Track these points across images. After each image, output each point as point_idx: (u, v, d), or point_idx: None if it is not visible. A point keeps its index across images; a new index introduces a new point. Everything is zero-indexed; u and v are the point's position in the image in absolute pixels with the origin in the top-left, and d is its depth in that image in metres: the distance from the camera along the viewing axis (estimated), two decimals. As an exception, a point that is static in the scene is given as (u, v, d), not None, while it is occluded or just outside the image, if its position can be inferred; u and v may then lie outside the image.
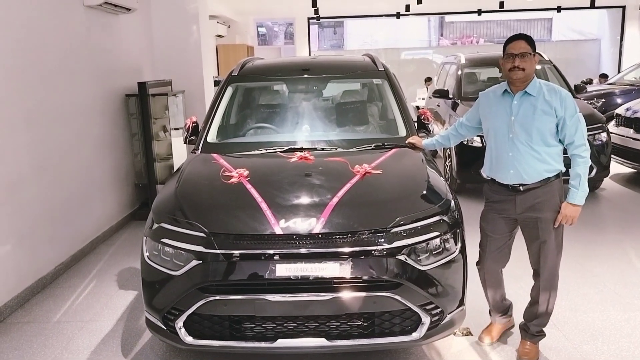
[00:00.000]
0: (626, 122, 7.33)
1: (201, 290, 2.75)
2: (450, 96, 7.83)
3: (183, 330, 2.83)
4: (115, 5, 5.81)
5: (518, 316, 3.39)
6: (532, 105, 2.96)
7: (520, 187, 3.01)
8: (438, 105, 8.42)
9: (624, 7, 16.40)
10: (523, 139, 2.97)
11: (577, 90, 7.59)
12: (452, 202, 3.10)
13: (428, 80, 12.72)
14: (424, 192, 3.15)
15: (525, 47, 2.93)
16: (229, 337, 2.83)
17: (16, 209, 4.16)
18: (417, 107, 11.08)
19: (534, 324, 3.16)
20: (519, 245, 3.24)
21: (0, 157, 3.99)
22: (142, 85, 6.19)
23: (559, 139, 2.97)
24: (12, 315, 3.98)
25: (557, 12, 16.31)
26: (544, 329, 3.19)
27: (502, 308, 3.39)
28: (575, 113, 2.92)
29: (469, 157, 6.52)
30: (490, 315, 3.44)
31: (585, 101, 8.44)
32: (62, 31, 4.99)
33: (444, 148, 7.23)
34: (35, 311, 4.05)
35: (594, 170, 6.44)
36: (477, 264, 3.32)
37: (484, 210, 3.25)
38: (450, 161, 7.12)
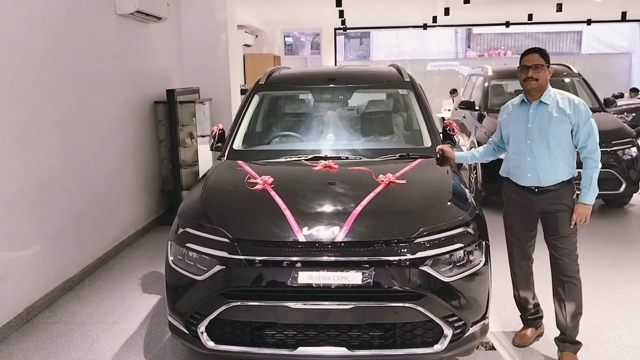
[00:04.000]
0: (657, 137, 7.17)
1: (224, 296, 2.78)
2: (477, 108, 7.78)
3: (205, 335, 2.85)
4: (147, 14, 5.94)
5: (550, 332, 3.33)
6: (547, 113, 3.15)
7: (536, 189, 3.18)
8: (464, 117, 8.36)
9: (656, 21, 16.11)
10: (540, 145, 3.15)
11: (606, 104, 7.46)
12: (477, 213, 3.07)
13: (454, 92, 12.67)
14: (449, 203, 3.13)
15: (538, 60, 3.14)
16: (250, 343, 2.85)
17: (46, 212, 4.26)
18: (443, 119, 11.02)
19: (569, 331, 3.20)
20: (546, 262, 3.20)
21: (32, 159, 4.10)
22: (170, 93, 6.30)
23: (574, 145, 3.15)
24: (38, 315, 4.07)
25: (587, 24, 16.09)
26: (577, 339, 3.22)
27: (533, 308, 3.48)
28: (588, 119, 3.10)
29: (495, 169, 6.43)
30: (522, 320, 3.53)
31: (616, 115, 8.28)
32: (94, 38, 5.12)
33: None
34: (60, 312, 4.13)
35: (623, 186, 6.31)
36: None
37: (505, 209, 3.42)
38: (476, 173, 7.06)
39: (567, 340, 3.19)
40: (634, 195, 6.81)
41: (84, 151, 4.87)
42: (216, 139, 4.25)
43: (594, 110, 6.55)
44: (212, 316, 2.80)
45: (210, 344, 2.85)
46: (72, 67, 4.69)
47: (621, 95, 12.87)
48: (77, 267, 4.71)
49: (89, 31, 5.03)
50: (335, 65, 16.04)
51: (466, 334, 2.81)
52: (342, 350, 2.76)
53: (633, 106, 10.45)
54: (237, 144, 4.16)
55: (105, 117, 5.30)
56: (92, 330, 3.82)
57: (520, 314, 3.54)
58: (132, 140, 5.94)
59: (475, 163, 6.97)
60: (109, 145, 5.37)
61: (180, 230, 3.05)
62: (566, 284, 3.15)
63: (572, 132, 3.12)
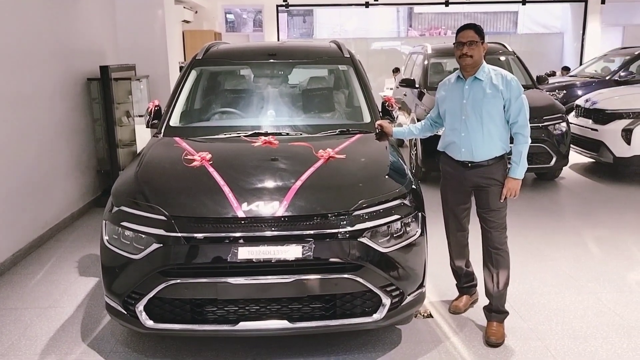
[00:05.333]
0: (585, 113, 7.53)
1: (162, 274, 2.74)
2: (417, 85, 7.90)
3: (144, 314, 2.81)
4: (76, -14, 5.65)
5: (483, 299, 3.47)
6: (481, 89, 3.19)
7: (469, 164, 3.25)
8: (405, 95, 8.48)
9: (586, 2, 16.77)
10: (474, 120, 3.20)
11: (539, 82, 7.75)
12: (414, 186, 3.14)
13: (396, 70, 12.79)
14: (386, 176, 3.19)
15: (473, 36, 3.17)
16: (191, 321, 2.83)
17: (-29, 194, 4.03)
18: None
19: (495, 301, 3.29)
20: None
21: (-47, 139, 3.86)
22: (104, 69, 6.06)
23: (506, 120, 3.21)
24: (-34, 302, 3.87)
25: (522, 4, 16.60)
26: (504, 308, 3.31)
27: (467, 277, 3.60)
28: (519, 95, 3.17)
29: (434, 146, 6.58)
30: (457, 288, 3.65)
31: (548, 92, 8.62)
32: (20, 12, 4.83)
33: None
34: (-9, 298, 3.95)
35: (554, 159, 6.62)
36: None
37: (441, 182, 3.49)
38: (416, 150, 7.21)
39: (494, 310, 3.29)
40: (563, 168, 7.16)
41: (12, 131, 4.63)
42: (152, 116, 4.12)
43: (527, 88, 6.83)
44: (151, 295, 2.76)
45: (150, 323, 2.81)
46: (-5, 40, 4.42)
47: (553, 74, 13.38)
48: (8, 252, 4.50)
49: (14, 4, 4.74)
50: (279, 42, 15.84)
51: (404, 303, 2.90)
52: (283, 324, 2.79)
53: (564, 84, 10.89)
54: (174, 121, 4.06)
55: (34, 95, 5.04)
56: (26, 315, 3.67)
57: (455, 282, 3.66)
58: (64, 119, 5.68)
59: (416, 140, 7.12)
60: (39, 125, 5.11)
61: (115, 208, 2.97)
62: (494, 255, 3.25)
63: (504, 107, 3.18)
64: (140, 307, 2.79)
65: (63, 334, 3.41)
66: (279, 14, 17.21)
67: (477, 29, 3.20)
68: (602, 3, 16.08)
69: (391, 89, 12.56)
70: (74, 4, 5.94)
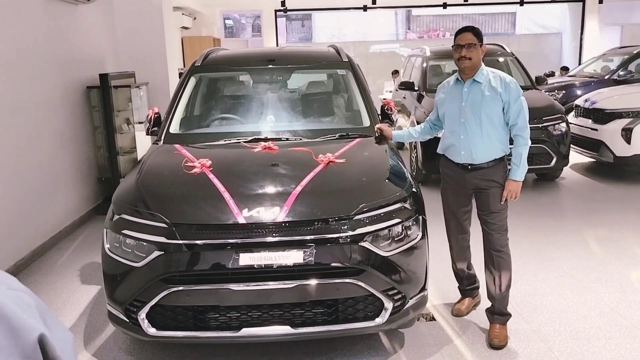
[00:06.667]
0: (585, 112, 7.53)
1: (164, 281, 2.74)
2: (416, 88, 7.91)
3: (146, 321, 2.81)
4: (75, -5, 5.67)
5: (485, 302, 3.47)
6: (480, 91, 3.19)
7: (469, 166, 3.24)
8: (404, 97, 8.49)
9: (584, 2, 16.79)
10: (473, 123, 3.19)
11: (537, 82, 7.75)
12: (414, 189, 3.15)
13: (395, 73, 12.81)
14: (386, 180, 3.20)
15: (471, 39, 3.17)
16: (193, 328, 2.83)
17: (-28, 204, 4.04)
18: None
19: (497, 303, 3.28)
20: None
21: (-46, 150, 3.87)
22: (103, 77, 6.07)
23: (506, 122, 3.20)
24: (-31, 312, 3.87)
25: (520, 5, 16.59)
26: (506, 310, 3.30)
27: (470, 279, 3.59)
28: (518, 97, 3.16)
29: (434, 148, 6.58)
30: (459, 290, 3.64)
31: (547, 93, 8.63)
32: (18, 21, 4.85)
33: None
34: (-7, 308, 3.94)
35: (554, 160, 6.61)
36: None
37: (441, 185, 3.48)
38: (416, 153, 7.21)
39: (496, 312, 3.28)
40: (564, 168, 7.16)
41: (12, 141, 4.63)
42: (152, 123, 4.13)
43: (525, 88, 6.84)
44: (153, 302, 2.76)
45: (152, 330, 2.81)
46: (-5, 50, 4.43)
47: (552, 74, 13.39)
48: (10, 260, 4.51)
49: (12, 14, 4.75)
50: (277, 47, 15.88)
51: (406, 307, 2.90)
52: (285, 329, 2.79)
53: (563, 84, 10.89)
54: (174, 128, 4.07)
55: (34, 104, 5.05)
56: (28, 324, 3.67)
57: (458, 285, 3.66)
58: (65, 127, 5.69)
59: (416, 142, 7.12)
60: (39, 134, 5.12)
61: (116, 217, 2.97)
62: (495, 258, 3.24)
63: (503, 110, 3.17)
64: (142, 314, 2.79)
65: (66, 342, 3.40)
66: (278, 18, 17.25)
67: (475, 32, 3.20)
68: (599, 3, 16.08)
69: (390, 91, 12.57)
70: (74, 12, 5.96)
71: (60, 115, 5.60)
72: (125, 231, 2.87)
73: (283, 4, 14.70)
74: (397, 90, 9.53)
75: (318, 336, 2.91)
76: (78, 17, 6.09)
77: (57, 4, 5.57)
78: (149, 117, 4.16)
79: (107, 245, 2.95)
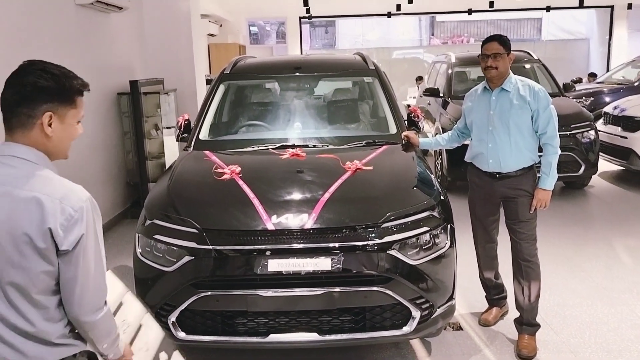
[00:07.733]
0: (614, 120, 7.41)
1: (194, 286, 2.77)
2: (441, 95, 7.88)
3: (176, 325, 2.85)
4: (107, 4, 5.80)
5: (513, 312, 3.43)
6: (508, 100, 3.17)
7: (497, 175, 3.23)
8: (429, 104, 8.47)
9: (612, 7, 16.55)
10: (501, 131, 3.18)
11: (565, 89, 7.65)
12: (442, 198, 3.14)
13: (419, 79, 12.78)
14: (414, 188, 3.19)
15: (498, 48, 3.15)
16: (221, 333, 2.86)
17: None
18: (409, 106, 11.12)
19: (526, 314, 3.25)
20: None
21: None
22: (134, 84, 6.19)
23: (535, 131, 3.18)
24: None
25: (547, 11, 16.43)
26: (535, 320, 3.27)
27: (497, 289, 3.56)
28: (547, 106, 3.13)
29: (460, 155, 6.54)
30: (487, 300, 3.62)
31: (574, 100, 8.51)
32: (53, 29, 4.98)
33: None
34: (27, 309, 4.04)
35: (582, 168, 6.51)
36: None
37: (469, 193, 3.47)
38: (441, 159, 7.18)
39: (525, 323, 3.25)
40: (592, 177, 7.04)
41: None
42: (182, 129, 4.21)
43: (553, 95, 6.76)
44: (183, 307, 2.79)
45: (182, 334, 2.85)
46: (30, 58, 4.55)
47: (580, 80, 13.21)
48: (42, 263, 4.61)
49: (48, 22, 4.89)
50: (302, 54, 15.99)
51: (433, 316, 2.88)
52: (313, 336, 2.80)
53: (591, 90, 10.74)
54: (204, 134, 4.13)
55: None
56: (60, 326, 3.75)
57: (485, 294, 3.63)
58: (96, 132, 5.81)
59: (441, 149, 7.09)
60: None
61: (148, 222, 3.03)
62: (524, 267, 3.21)
63: (532, 118, 3.16)
64: (172, 318, 2.83)
65: (97, 344, 3.47)
66: (302, 25, 17.37)
67: (501, 40, 3.19)
68: (628, 8, 15.82)
69: (414, 97, 12.55)
70: (105, 21, 6.10)
71: (92, 120, 5.72)
72: (156, 236, 2.91)
73: (308, 11, 14.80)
74: (421, 96, 9.51)
75: (345, 344, 2.91)
76: (110, 26, 6.23)
77: (89, 12, 5.71)
78: (179, 123, 4.23)
79: (138, 250, 3.01)
